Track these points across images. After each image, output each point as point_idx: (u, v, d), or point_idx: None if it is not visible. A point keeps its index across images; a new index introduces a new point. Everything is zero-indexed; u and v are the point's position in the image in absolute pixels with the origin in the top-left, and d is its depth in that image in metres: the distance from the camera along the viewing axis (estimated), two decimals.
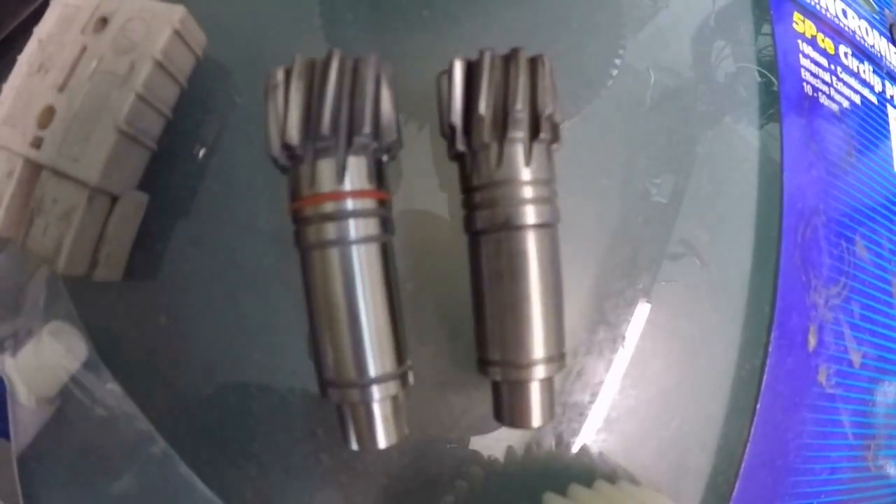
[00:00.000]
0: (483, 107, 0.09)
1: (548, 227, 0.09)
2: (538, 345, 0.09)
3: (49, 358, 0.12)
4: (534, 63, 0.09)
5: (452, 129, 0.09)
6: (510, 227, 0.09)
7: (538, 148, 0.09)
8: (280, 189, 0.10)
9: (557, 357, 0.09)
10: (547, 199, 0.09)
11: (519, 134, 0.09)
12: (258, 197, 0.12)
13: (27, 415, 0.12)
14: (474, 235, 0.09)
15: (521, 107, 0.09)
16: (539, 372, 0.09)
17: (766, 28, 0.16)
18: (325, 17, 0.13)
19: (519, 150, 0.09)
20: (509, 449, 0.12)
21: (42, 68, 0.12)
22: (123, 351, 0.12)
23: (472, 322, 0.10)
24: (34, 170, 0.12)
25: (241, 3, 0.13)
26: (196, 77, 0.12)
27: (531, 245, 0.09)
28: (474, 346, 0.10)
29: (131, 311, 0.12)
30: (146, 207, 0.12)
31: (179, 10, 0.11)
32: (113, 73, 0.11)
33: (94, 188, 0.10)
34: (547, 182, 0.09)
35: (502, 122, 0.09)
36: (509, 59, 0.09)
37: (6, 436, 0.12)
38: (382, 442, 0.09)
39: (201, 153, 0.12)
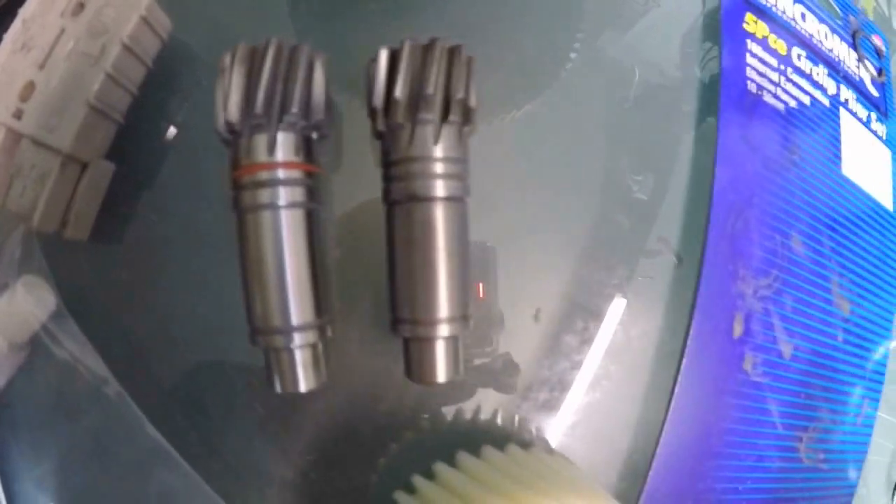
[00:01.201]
0: (399, 91, 0.10)
1: (455, 201, 0.11)
2: (443, 305, 0.11)
3: (22, 308, 0.14)
4: (451, 52, 0.11)
5: (375, 110, 0.11)
6: (419, 199, 0.10)
7: (448, 129, 0.11)
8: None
9: (460, 318, 0.11)
10: (455, 176, 0.11)
11: (430, 116, 0.10)
12: (214, 171, 0.14)
13: (0, 360, 0.14)
14: (390, 206, 0.11)
15: (432, 91, 0.10)
16: (443, 330, 0.11)
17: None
18: (284, 6, 0.15)
19: (429, 131, 0.10)
20: (433, 412, 0.13)
21: (25, 47, 0.14)
22: (88, 303, 0.14)
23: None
24: (15, 138, 0.14)
25: None
26: (162, 58, 0.14)
27: (439, 216, 0.11)
28: (388, 306, 0.11)
29: (96, 267, 0.14)
30: (112, 175, 0.14)
31: None
32: (87, 54, 0.13)
33: (66, 155, 0.12)
34: (456, 160, 0.11)
35: (416, 104, 0.10)
36: (428, 48, 0.11)
37: None
38: (302, 385, 0.11)
39: (170, 130, 0.14)
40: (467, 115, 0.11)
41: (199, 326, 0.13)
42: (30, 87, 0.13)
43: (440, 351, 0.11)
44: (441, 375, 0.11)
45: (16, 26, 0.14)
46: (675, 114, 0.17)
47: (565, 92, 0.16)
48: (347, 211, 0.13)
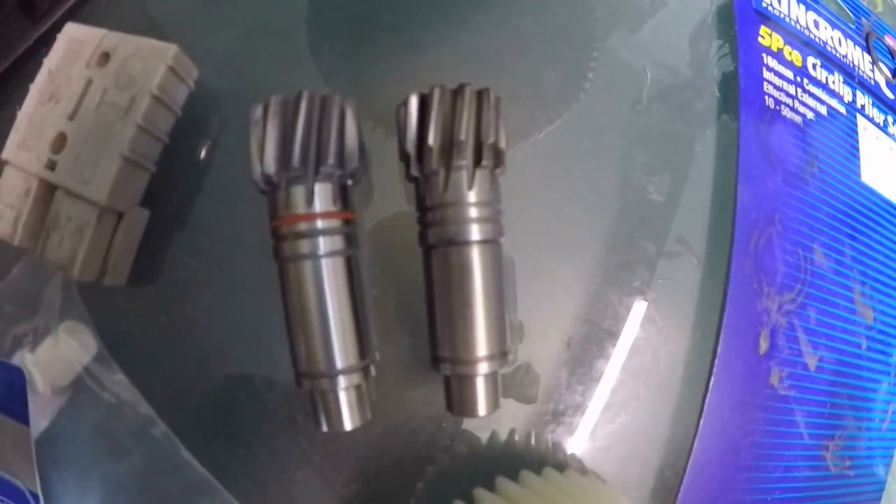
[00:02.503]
0: (432, 138, 0.11)
1: (490, 243, 0.11)
2: (481, 344, 0.11)
3: (64, 352, 0.14)
4: (479, 96, 0.11)
5: (408, 155, 0.11)
6: (456, 243, 0.11)
7: (481, 173, 0.11)
8: (263, 206, 0.12)
9: (499, 355, 0.11)
10: (489, 219, 0.11)
11: (463, 162, 0.11)
12: (245, 212, 0.14)
13: (43, 402, 0.15)
14: (427, 249, 0.12)
15: (464, 137, 0.11)
16: (483, 368, 0.11)
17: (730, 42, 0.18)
18: (307, 48, 0.15)
19: (463, 176, 0.11)
20: (468, 437, 0.14)
21: (52, 98, 0.14)
22: (128, 347, 0.14)
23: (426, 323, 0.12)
24: (48, 189, 0.14)
25: (230, 36, 0.16)
26: (190, 103, 0.14)
27: (475, 258, 0.11)
28: (428, 344, 0.12)
29: (135, 312, 0.14)
30: (147, 221, 0.14)
31: (173, 49, 0.13)
32: (116, 105, 0.13)
33: (103, 207, 0.13)
34: (489, 203, 0.11)
35: (449, 151, 0.11)
36: (457, 93, 0.11)
37: (26, 421, 0.15)
38: (348, 424, 0.11)
39: (202, 153, 0.15)
40: (498, 158, 0.11)
41: (239, 364, 0.14)
42: (61, 139, 0.14)
43: (480, 387, 0.11)
44: (482, 410, 0.12)
45: (41, 77, 0.15)
46: (689, 113, 0.18)
47: (579, 105, 0.17)
48: (381, 246, 0.14)
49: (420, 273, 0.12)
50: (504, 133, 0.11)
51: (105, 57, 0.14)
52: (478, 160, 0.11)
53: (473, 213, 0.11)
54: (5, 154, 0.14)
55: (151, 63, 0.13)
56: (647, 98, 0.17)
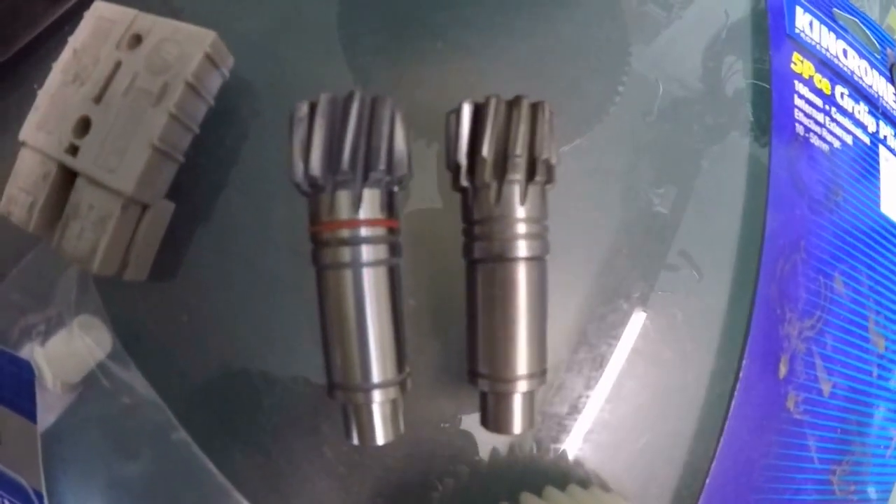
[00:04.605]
0: (486, 151, 0.10)
1: (537, 260, 0.11)
2: (522, 362, 0.11)
3: (78, 348, 0.14)
4: (535, 109, 0.11)
5: (457, 165, 0.11)
6: (504, 259, 0.11)
7: (533, 189, 0.11)
8: (295, 204, 0.11)
9: (538, 374, 0.11)
10: (538, 235, 0.11)
11: (517, 176, 0.11)
12: (275, 209, 0.14)
13: (52, 399, 0.14)
14: (472, 263, 0.11)
15: (520, 152, 0.10)
16: (522, 386, 0.11)
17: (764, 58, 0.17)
18: (344, 42, 0.15)
19: (516, 191, 0.11)
20: (493, 451, 0.14)
21: (77, 79, 0.14)
22: (146, 345, 0.14)
23: (464, 337, 0.12)
24: (68, 175, 0.13)
25: (266, 26, 0.15)
26: (222, 93, 0.14)
27: (521, 276, 0.11)
28: (466, 358, 0.12)
29: (155, 308, 0.14)
30: (172, 215, 0.13)
31: (210, 35, 0.13)
32: (147, 91, 0.12)
33: (128, 198, 0.12)
34: (539, 219, 0.11)
35: (502, 164, 0.11)
36: (513, 104, 0.11)
37: (33, 418, 0.14)
38: (381, 439, 0.11)
39: (231, 146, 0.14)
40: (550, 173, 0.11)
41: (262, 367, 0.13)
42: (84, 122, 0.13)
43: (518, 405, 0.11)
44: (517, 428, 0.11)
45: (66, 55, 0.14)
46: (699, 127, 0.18)
47: (609, 117, 0.16)
48: (416, 256, 0.13)
49: (454, 285, 0.12)
50: (556, 148, 0.11)
51: (136, 39, 0.13)
52: (531, 175, 0.11)
53: (522, 228, 0.11)
54: (23, 135, 0.13)
55: (188, 49, 0.12)
56: (658, 110, 0.17)
